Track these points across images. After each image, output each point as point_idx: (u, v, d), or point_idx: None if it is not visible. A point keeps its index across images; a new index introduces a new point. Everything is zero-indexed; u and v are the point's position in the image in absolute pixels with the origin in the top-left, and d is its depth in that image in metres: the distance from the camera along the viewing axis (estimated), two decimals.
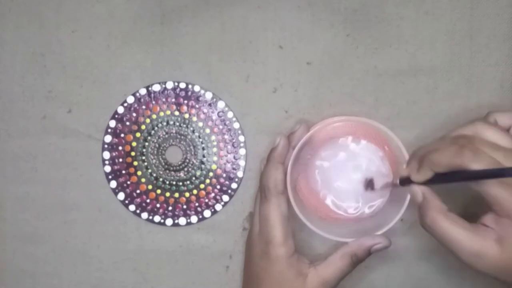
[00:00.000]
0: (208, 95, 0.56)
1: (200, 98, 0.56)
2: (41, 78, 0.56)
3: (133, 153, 0.57)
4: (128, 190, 0.56)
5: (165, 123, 0.56)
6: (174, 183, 0.57)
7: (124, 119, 0.56)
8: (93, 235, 0.57)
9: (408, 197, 0.48)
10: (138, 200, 0.57)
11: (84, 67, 0.56)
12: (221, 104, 0.56)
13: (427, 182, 0.45)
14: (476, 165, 0.41)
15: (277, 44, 0.56)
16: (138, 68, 0.56)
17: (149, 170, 0.57)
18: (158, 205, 0.57)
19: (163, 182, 0.57)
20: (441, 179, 0.44)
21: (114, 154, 0.56)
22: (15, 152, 0.57)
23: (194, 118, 0.56)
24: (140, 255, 0.57)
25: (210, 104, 0.56)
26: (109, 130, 0.56)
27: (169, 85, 0.56)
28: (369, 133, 0.52)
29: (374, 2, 0.55)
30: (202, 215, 0.56)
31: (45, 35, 0.56)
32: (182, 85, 0.56)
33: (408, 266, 0.56)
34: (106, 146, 0.56)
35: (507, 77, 0.56)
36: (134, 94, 0.56)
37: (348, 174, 0.53)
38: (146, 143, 0.56)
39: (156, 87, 0.56)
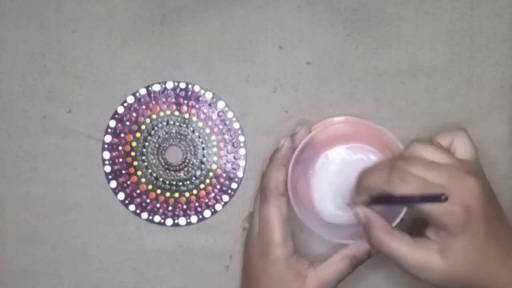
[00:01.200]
0: (208, 95, 0.56)
1: (200, 98, 0.56)
2: (41, 78, 0.56)
3: (133, 153, 0.57)
4: (128, 190, 0.57)
5: (165, 123, 0.56)
6: (174, 183, 0.57)
7: (124, 119, 0.56)
8: (93, 235, 0.57)
9: None
10: (138, 200, 0.57)
11: (84, 67, 0.56)
12: (221, 104, 0.56)
13: (368, 204, 0.47)
14: (403, 190, 0.43)
15: (277, 44, 0.56)
16: (138, 68, 0.56)
17: (149, 170, 0.57)
18: (158, 205, 0.57)
19: (163, 182, 0.57)
20: (377, 202, 0.46)
21: (114, 154, 0.56)
22: (15, 152, 0.57)
23: (194, 118, 0.56)
24: (140, 255, 0.57)
25: (210, 104, 0.56)
26: (109, 130, 0.56)
27: (169, 85, 0.56)
28: (369, 135, 0.52)
29: (374, 2, 0.55)
30: (202, 215, 0.56)
31: (45, 35, 0.56)
32: (182, 85, 0.56)
33: None
34: (106, 146, 0.56)
35: (507, 77, 0.56)
36: (134, 94, 0.56)
37: (346, 178, 0.53)
38: (146, 143, 0.56)
39: (156, 87, 0.56)
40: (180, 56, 0.56)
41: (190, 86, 0.56)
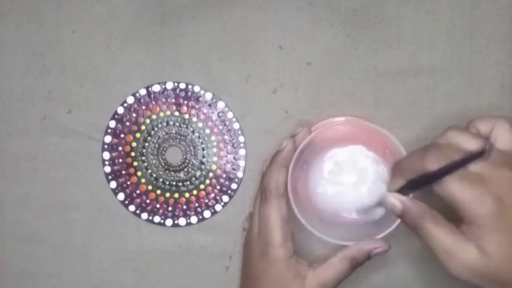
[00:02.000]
0: (208, 96, 0.56)
1: (200, 99, 0.56)
2: (41, 78, 0.56)
3: (133, 154, 0.57)
4: (128, 191, 0.57)
5: (165, 124, 0.56)
6: (174, 183, 0.57)
7: (124, 119, 0.56)
8: (93, 235, 0.57)
9: None
10: (138, 200, 0.57)
11: (84, 67, 0.56)
12: (221, 105, 0.56)
13: (403, 190, 0.45)
14: (436, 166, 0.41)
15: (277, 44, 0.56)
16: (138, 68, 0.56)
17: (149, 171, 0.57)
18: (158, 206, 0.57)
19: (163, 182, 0.57)
20: (413, 186, 0.45)
21: (114, 154, 0.56)
22: (15, 152, 0.57)
23: (194, 119, 0.56)
24: (140, 255, 0.57)
25: (210, 105, 0.56)
26: (109, 131, 0.56)
27: (169, 85, 0.56)
28: (369, 136, 0.52)
29: (374, 2, 0.55)
30: (202, 215, 0.57)
31: (45, 35, 0.56)
32: (182, 86, 0.56)
33: (408, 267, 0.56)
34: (106, 146, 0.56)
35: (507, 77, 0.56)
36: (134, 95, 0.56)
37: (345, 178, 0.53)
38: (146, 144, 0.56)
39: (156, 88, 0.56)
40: (180, 56, 0.56)
41: (190, 86, 0.56)
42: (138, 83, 0.56)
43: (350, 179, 0.52)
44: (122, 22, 0.56)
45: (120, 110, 0.56)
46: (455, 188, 0.41)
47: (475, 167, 0.42)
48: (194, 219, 0.57)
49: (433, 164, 0.42)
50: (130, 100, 0.56)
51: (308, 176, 0.53)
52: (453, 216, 0.43)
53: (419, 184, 0.44)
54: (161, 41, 0.56)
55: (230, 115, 0.56)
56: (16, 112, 0.57)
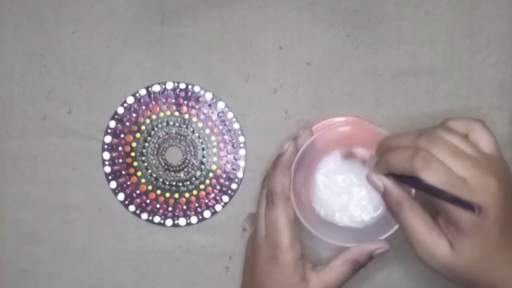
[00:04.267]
0: (208, 96, 0.56)
1: (200, 99, 0.56)
2: (41, 78, 0.56)
3: (133, 154, 0.57)
4: (128, 191, 0.57)
5: (165, 124, 0.56)
6: (174, 183, 0.57)
7: (124, 119, 0.56)
8: (93, 235, 0.57)
9: None
10: (138, 200, 0.57)
11: (84, 67, 0.56)
12: (221, 105, 0.56)
13: (386, 176, 0.46)
14: (425, 175, 0.41)
15: (277, 44, 0.56)
16: (138, 68, 0.56)
17: (149, 171, 0.57)
18: (158, 206, 0.57)
19: (163, 182, 0.57)
20: (398, 181, 0.45)
21: (114, 154, 0.56)
22: (15, 152, 0.57)
23: (194, 119, 0.56)
24: (140, 255, 0.57)
25: (210, 105, 0.56)
26: (109, 131, 0.56)
27: (169, 85, 0.56)
28: (370, 136, 0.52)
29: (374, 2, 0.55)
30: (202, 215, 0.57)
31: (45, 35, 0.56)
32: (182, 86, 0.56)
33: (408, 267, 0.56)
34: (106, 146, 0.56)
35: (507, 77, 0.56)
36: (134, 95, 0.56)
37: (348, 185, 0.53)
38: (146, 144, 0.56)
39: (156, 88, 0.56)
40: (180, 56, 0.56)
41: (190, 86, 0.56)
42: (138, 83, 0.56)
43: (349, 180, 0.53)
44: (122, 22, 0.56)
45: (120, 110, 0.56)
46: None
47: (462, 171, 0.42)
48: (194, 219, 0.57)
49: (420, 172, 0.42)
50: (130, 100, 0.56)
51: (310, 178, 0.53)
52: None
53: (405, 181, 0.44)
54: (161, 41, 0.56)
55: (230, 115, 0.56)
56: (16, 112, 0.57)
